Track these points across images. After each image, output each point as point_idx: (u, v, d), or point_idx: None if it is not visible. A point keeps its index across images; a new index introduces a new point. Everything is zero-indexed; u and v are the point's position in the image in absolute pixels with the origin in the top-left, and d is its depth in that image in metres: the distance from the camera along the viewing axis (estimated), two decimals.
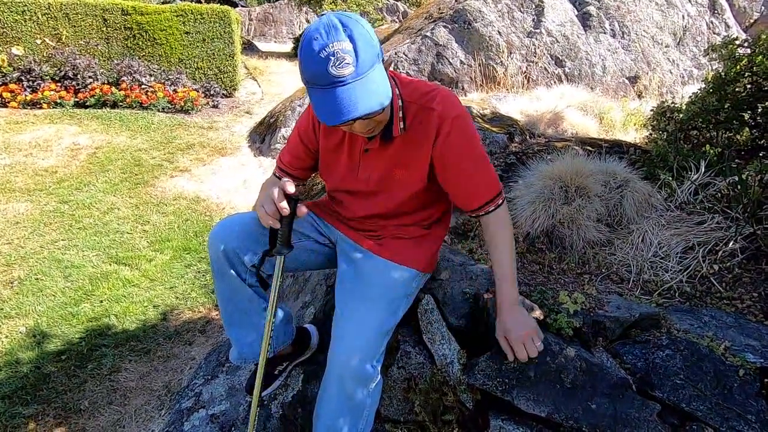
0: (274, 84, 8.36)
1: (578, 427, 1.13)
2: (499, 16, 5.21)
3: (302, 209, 1.16)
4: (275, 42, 14.57)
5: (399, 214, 1.34)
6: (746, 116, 2.34)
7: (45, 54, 6.46)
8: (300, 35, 11.75)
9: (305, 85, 1.05)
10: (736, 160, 2.07)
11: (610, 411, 1.14)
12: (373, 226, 1.37)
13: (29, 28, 6.45)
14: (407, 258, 1.31)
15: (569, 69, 5.07)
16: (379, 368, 1.24)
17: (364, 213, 1.35)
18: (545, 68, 5.11)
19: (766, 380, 1.17)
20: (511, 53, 5.09)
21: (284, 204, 1.13)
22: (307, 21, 14.65)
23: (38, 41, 6.47)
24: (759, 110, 2.29)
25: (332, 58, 0.96)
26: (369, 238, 1.36)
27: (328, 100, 0.99)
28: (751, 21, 6.09)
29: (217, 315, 2.83)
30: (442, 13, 5.50)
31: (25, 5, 6.38)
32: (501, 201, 1.26)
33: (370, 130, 1.15)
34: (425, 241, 1.37)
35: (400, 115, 1.19)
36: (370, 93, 1.00)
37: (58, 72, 6.36)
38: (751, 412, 1.13)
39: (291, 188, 1.10)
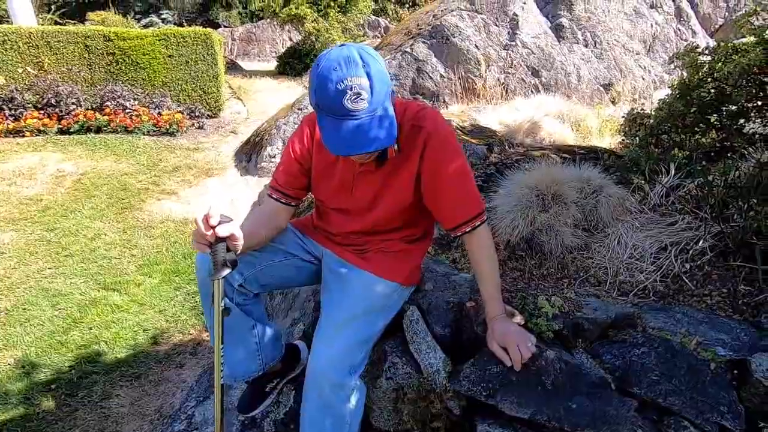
0: (259, 103, 8.42)
1: (560, 427, 1.17)
2: (476, 31, 5.36)
3: (224, 230, 1.08)
4: (259, 61, 14.69)
5: (384, 231, 1.39)
6: (713, 119, 2.45)
7: (27, 82, 6.47)
8: (283, 53, 11.86)
9: (315, 108, 1.09)
10: (703, 162, 2.16)
11: (590, 409, 1.18)
12: (358, 241, 1.41)
13: (10, 57, 6.45)
14: (389, 271, 1.35)
15: (545, 79, 5.23)
16: (358, 376, 1.26)
17: (352, 229, 1.38)
18: (522, 79, 5.26)
19: (736, 372, 1.23)
20: (489, 66, 5.23)
21: (206, 231, 1.07)
22: (290, 39, 14.80)
23: (20, 70, 6.48)
24: (723, 113, 2.40)
25: (349, 92, 1.01)
26: (353, 253, 1.40)
27: (337, 130, 1.04)
28: (716, 27, 6.34)
29: (207, 336, 2.83)
30: (420, 29, 5.64)
31: (6, 35, 6.39)
32: (484, 219, 1.30)
33: (367, 159, 1.20)
34: (408, 255, 1.41)
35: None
36: (379, 130, 1.05)
37: (40, 100, 6.36)
38: (723, 404, 1.18)
39: (213, 221, 1.07)
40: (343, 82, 1.00)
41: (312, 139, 1.33)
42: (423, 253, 1.47)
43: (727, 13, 6.32)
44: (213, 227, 1.07)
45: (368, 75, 1.02)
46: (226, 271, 1.14)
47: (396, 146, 1.24)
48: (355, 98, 1.01)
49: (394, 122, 1.10)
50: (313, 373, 1.23)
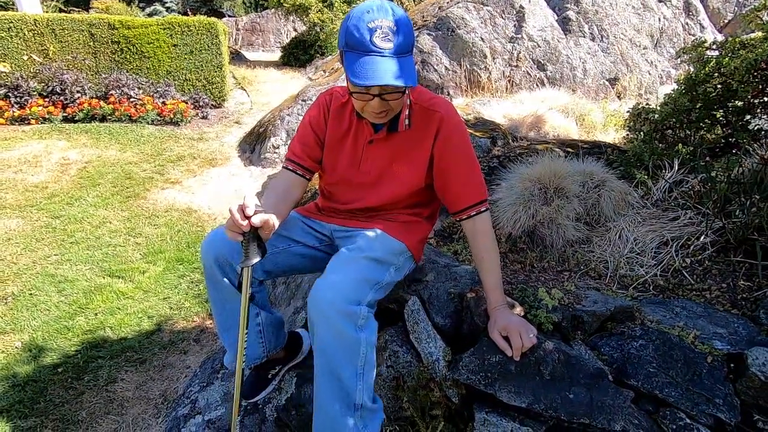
0: (263, 93, 8.40)
1: (557, 416, 1.19)
2: (482, 23, 5.32)
3: (258, 219, 1.12)
4: (263, 51, 14.62)
5: (390, 210, 1.43)
6: (718, 115, 2.44)
7: (32, 70, 6.47)
8: (288, 44, 11.82)
9: (343, 49, 1.16)
10: (707, 158, 2.16)
11: (586, 399, 1.20)
12: (364, 217, 1.45)
13: (15, 45, 6.45)
14: (397, 232, 1.38)
15: (551, 72, 5.19)
16: (365, 310, 1.21)
17: (359, 205, 1.43)
18: (527, 72, 5.23)
19: (732, 365, 1.25)
20: (494, 58, 5.20)
21: (242, 221, 1.10)
22: (294, 30, 14.71)
23: (25, 57, 6.48)
24: (729, 109, 2.39)
25: (378, 31, 1.10)
26: (361, 221, 1.45)
27: (364, 64, 1.11)
28: (726, 21, 6.26)
29: (210, 324, 2.87)
30: (426, 20, 5.60)
31: (11, 22, 6.39)
32: (488, 207, 1.36)
33: (383, 115, 1.24)
34: (413, 226, 1.45)
35: (407, 112, 1.31)
36: (402, 70, 1.12)
37: (45, 87, 6.36)
38: (719, 396, 1.19)
39: (250, 211, 1.10)
40: (374, 21, 1.10)
41: (328, 109, 1.39)
42: (428, 230, 1.51)
43: (736, 8, 6.24)
44: (249, 217, 1.10)
45: (396, 22, 1.12)
46: (257, 259, 1.18)
47: (407, 121, 1.31)
48: (384, 37, 1.10)
49: (415, 74, 1.17)
50: (317, 303, 1.17)
